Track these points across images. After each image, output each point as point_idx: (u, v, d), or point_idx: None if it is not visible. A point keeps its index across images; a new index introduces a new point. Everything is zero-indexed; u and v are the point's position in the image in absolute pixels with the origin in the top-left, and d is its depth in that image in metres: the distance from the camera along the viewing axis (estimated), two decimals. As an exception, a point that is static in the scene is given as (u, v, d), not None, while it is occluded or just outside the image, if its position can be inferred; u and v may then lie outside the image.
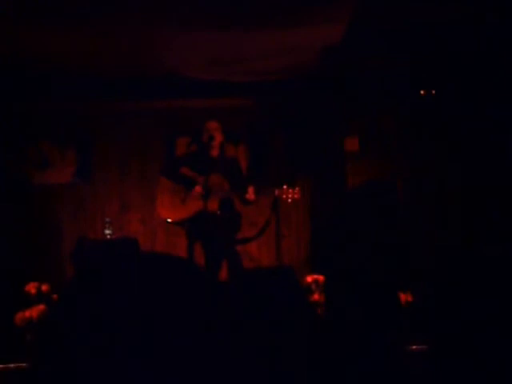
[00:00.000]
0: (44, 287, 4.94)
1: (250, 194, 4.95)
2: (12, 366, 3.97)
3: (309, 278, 5.23)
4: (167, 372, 1.82)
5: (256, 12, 4.62)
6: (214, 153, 5.17)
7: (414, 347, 3.76)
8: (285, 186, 4.94)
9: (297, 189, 4.96)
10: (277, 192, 4.95)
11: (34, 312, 4.66)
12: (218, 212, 5.01)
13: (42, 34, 4.87)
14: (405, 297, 4.73)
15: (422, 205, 6.16)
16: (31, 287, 4.91)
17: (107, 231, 5.17)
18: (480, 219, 5.93)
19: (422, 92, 6.10)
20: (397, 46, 5.39)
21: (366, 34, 5.10)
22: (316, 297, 5.04)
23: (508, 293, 2.63)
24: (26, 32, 4.83)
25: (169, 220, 5.15)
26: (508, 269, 2.82)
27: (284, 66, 5.75)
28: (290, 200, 4.95)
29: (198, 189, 5.00)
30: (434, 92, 6.10)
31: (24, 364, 3.92)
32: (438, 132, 6.21)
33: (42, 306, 4.75)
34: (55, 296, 4.97)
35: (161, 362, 1.83)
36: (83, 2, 4.40)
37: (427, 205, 6.16)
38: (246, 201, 5.02)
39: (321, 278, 5.16)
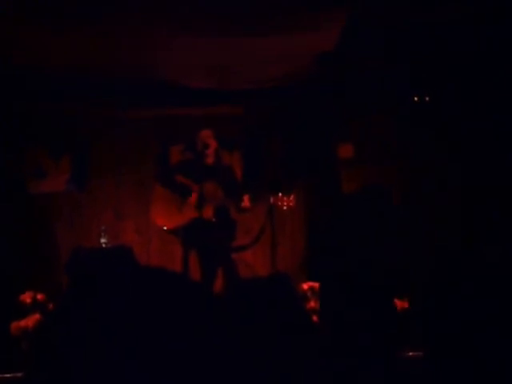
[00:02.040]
0: (39, 296, 4.92)
1: (245, 201, 4.95)
2: (8, 375, 3.95)
3: (305, 286, 5.23)
4: (161, 379, 1.82)
5: (255, 13, 4.62)
6: (209, 160, 5.17)
7: (411, 353, 3.76)
8: (280, 194, 4.94)
9: (292, 196, 4.97)
10: (272, 199, 4.96)
11: (30, 321, 4.64)
12: (213, 219, 5.01)
13: (42, 33, 4.87)
14: (401, 303, 4.73)
15: (421, 205, 6.16)
16: (26, 297, 4.89)
17: (102, 240, 5.15)
18: (480, 219, 5.92)
19: (415, 98, 6.10)
20: (397, 46, 5.39)
21: (365, 34, 5.10)
22: (312, 304, 5.04)
23: (508, 293, 2.63)
24: (26, 32, 4.83)
25: (164, 228, 5.14)
26: (508, 269, 2.82)
27: (280, 72, 5.74)
28: (285, 207, 4.96)
29: (193, 197, 5.00)
30: (427, 98, 6.10)
31: (20, 373, 3.90)
32: (438, 132, 6.21)
33: (37, 316, 4.73)
34: (51, 305, 4.94)
35: (155, 369, 1.82)
36: (83, 2, 4.40)
37: (427, 205, 6.15)
38: (241, 208, 5.02)
39: (316, 285, 5.16)
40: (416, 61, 5.72)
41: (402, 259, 5.55)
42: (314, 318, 4.79)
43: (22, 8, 4.45)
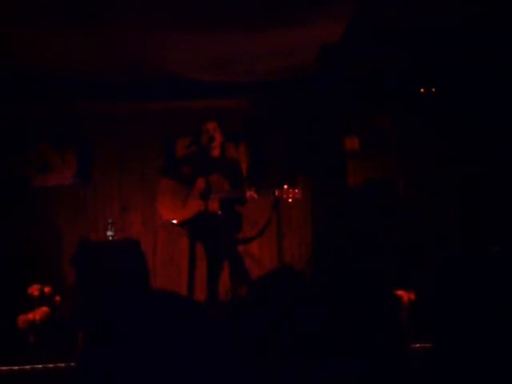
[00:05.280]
0: (47, 289, 4.94)
1: (251, 193, 4.96)
2: (16, 368, 3.96)
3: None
4: (168, 376, 1.82)
5: (256, 11, 4.62)
6: (215, 153, 5.18)
7: (418, 345, 3.76)
8: (285, 186, 4.94)
9: (297, 189, 4.96)
10: (277, 192, 4.95)
11: (37, 314, 4.66)
12: (219, 212, 5.01)
13: (42, 34, 4.87)
14: (407, 296, 4.71)
15: (421, 205, 6.16)
16: (34, 289, 4.91)
17: (109, 232, 5.13)
18: (480, 219, 5.92)
19: (421, 90, 6.09)
20: (397, 46, 5.39)
21: (365, 33, 5.10)
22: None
23: (508, 293, 2.64)
24: (26, 32, 4.83)
25: (174, 221, 5.13)
26: (508, 269, 2.83)
27: (284, 66, 5.75)
28: (290, 200, 4.96)
29: (200, 183, 4.98)
30: (433, 90, 6.09)
31: (27, 366, 3.91)
32: (438, 132, 6.21)
33: (44, 309, 4.75)
34: (58, 298, 4.97)
35: (163, 367, 1.82)
36: (83, 2, 4.40)
37: (427, 205, 6.15)
38: (246, 201, 5.03)
39: (324, 277, 5.15)
40: (416, 60, 5.72)
41: (405, 252, 5.55)
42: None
43: (22, 8, 4.45)
